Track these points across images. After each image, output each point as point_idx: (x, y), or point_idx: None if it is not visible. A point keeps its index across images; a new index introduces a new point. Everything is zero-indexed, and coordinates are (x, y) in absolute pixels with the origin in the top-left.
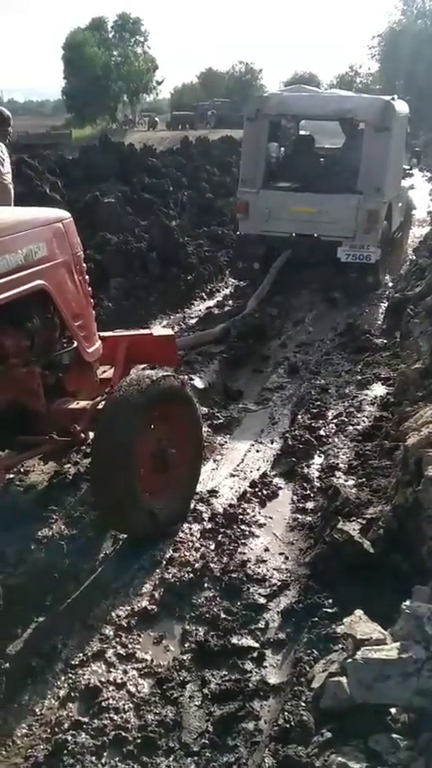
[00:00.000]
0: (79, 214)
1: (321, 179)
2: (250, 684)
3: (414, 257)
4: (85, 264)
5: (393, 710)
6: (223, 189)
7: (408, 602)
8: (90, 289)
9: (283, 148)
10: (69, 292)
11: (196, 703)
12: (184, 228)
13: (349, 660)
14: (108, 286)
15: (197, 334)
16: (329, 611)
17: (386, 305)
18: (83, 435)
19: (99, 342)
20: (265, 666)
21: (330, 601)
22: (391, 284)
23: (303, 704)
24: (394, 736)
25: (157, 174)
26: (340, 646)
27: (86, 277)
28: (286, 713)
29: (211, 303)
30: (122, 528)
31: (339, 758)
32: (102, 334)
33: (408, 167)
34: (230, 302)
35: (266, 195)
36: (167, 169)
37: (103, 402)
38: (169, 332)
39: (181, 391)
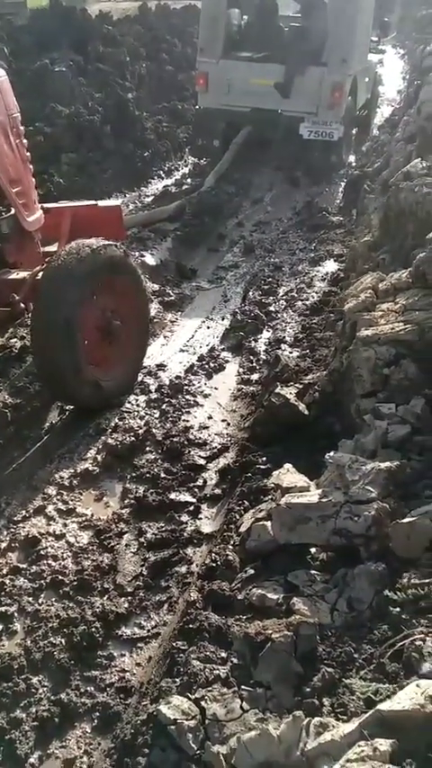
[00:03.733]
0: (28, 84)
1: (284, 49)
2: (185, 534)
3: (378, 134)
4: (23, 129)
5: (313, 550)
6: (185, 62)
7: (332, 453)
8: (28, 154)
9: (245, 16)
10: (5, 155)
11: (132, 551)
12: (142, 102)
13: (274, 506)
14: (59, 161)
15: (151, 210)
16: (263, 467)
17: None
18: (23, 306)
19: (40, 211)
20: (200, 518)
21: (265, 459)
22: (354, 164)
23: (231, 547)
24: (312, 571)
25: (113, 44)
26: (269, 497)
27: (24, 141)
28: (214, 555)
29: (168, 181)
30: (67, 399)
31: (259, 591)
32: (44, 205)
33: (375, 39)
34: (189, 180)
35: (226, 66)
36: (124, 38)
37: (42, 272)
38: (116, 203)
39: (123, 261)
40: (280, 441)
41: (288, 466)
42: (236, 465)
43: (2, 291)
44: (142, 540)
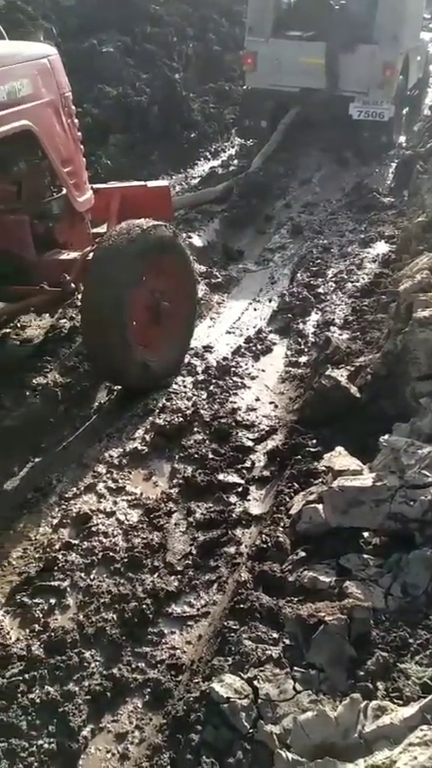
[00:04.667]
0: (76, 65)
1: (335, 27)
2: (233, 515)
3: (430, 113)
4: (75, 109)
5: (366, 534)
6: (232, 42)
7: (386, 436)
8: (80, 134)
9: None
10: (57, 135)
11: (181, 530)
12: (189, 83)
13: (326, 488)
14: (106, 142)
15: (198, 192)
16: (313, 450)
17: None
18: (73, 286)
19: (90, 192)
20: (249, 500)
21: (314, 441)
22: (404, 145)
23: (281, 529)
24: (365, 556)
25: (159, 24)
26: (320, 480)
27: (76, 121)
28: (264, 536)
29: (215, 163)
30: (115, 379)
31: (311, 573)
32: (94, 186)
33: (428, 16)
34: (235, 162)
35: (276, 45)
36: (171, 18)
37: (93, 252)
38: (164, 183)
39: (173, 242)
40: (330, 423)
41: (340, 449)
42: (285, 447)
43: (53, 272)
44: (191, 519)
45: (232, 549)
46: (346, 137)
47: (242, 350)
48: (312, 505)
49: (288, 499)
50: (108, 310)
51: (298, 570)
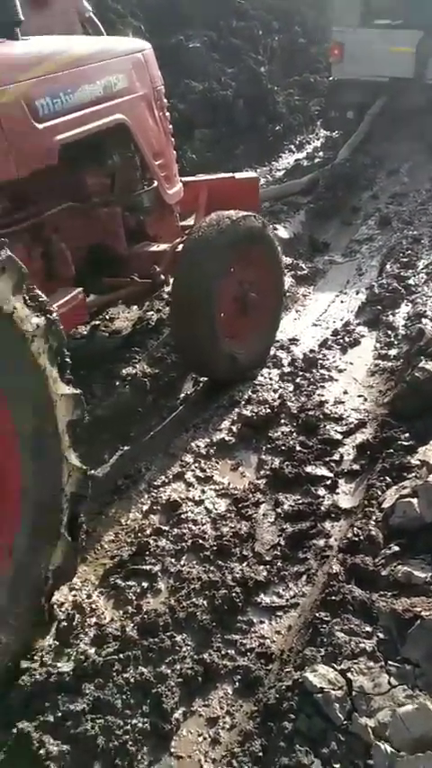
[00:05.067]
0: (163, 60)
1: (424, 12)
2: (322, 507)
3: None
4: (166, 103)
5: None
6: (318, 33)
7: None
8: (171, 127)
9: None
10: (149, 128)
11: (269, 521)
12: (274, 76)
13: (421, 482)
14: (192, 137)
15: (284, 184)
16: (405, 443)
17: None
18: (163, 277)
19: (180, 185)
20: (338, 493)
21: (407, 435)
22: None
23: (373, 523)
24: None
25: (245, 18)
26: (414, 474)
27: (167, 114)
28: (356, 529)
29: (300, 155)
30: (202, 370)
31: (406, 568)
32: (183, 179)
33: None
34: (321, 154)
35: (364, 34)
36: (256, 12)
37: (183, 243)
38: (252, 175)
39: (262, 233)
40: (424, 417)
41: None
42: (375, 440)
43: (143, 263)
44: (279, 510)
45: (321, 542)
46: None
47: (329, 342)
48: (407, 499)
49: (380, 493)
50: (197, 301)
51: (391, 564)
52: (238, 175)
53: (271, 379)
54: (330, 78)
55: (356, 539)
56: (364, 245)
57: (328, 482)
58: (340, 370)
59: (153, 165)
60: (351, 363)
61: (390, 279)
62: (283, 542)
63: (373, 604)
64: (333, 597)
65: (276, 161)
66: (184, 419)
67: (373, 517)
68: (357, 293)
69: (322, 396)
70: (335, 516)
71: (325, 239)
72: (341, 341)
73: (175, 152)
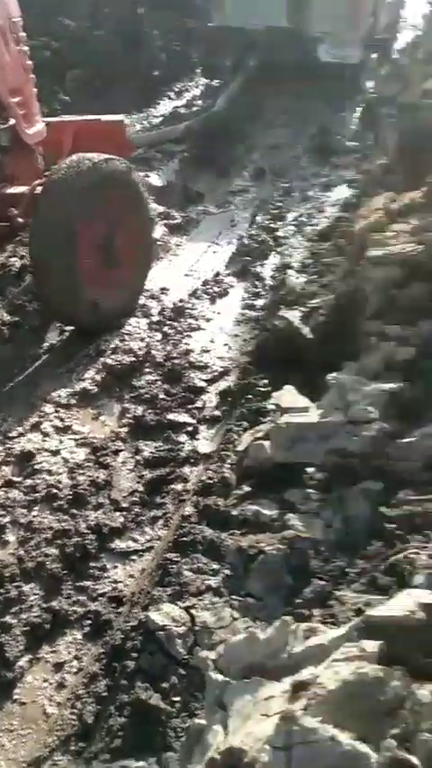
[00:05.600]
0: None
1: None
2: (182, 453)
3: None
4: (25, 37)
5: (310, 470)
6: None
7: (334, 374)
8: (30, 63)
9: None
10: (4, 63)
11: (129, 468)
12: (153, 19)
13: (272, 424)
14: (64, 77)
15: (159, 131)
16: (263, 389)
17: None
18: (21, 221)
19: (42, 124)
20: (198, 439)
21: (266, 381)
22: (373, 89)
23: (228, 466)
24: (309, 490)
25: None
26: (269, 418)
27: (26, 49)
28: (211, 472)
29: (178, 103)
30: (65, 318)
31: (254, 507)
32: (46, 119)
33: None
34: (200, 102)
35: None
36: None
37: (41, 186)
38: (119, 117)
39: (127, 177)
40: (283, 364)
41: (289, 387)
42: (236, 387)
43: (0, 206)
44: (139, 458)
45: (179, 486)
46: (312, 79)
47: (198, 292)
48: (259, 442)
49: (237, 437)
50: (56, 247)
51: (242, 504)
52: (104, 118)
53: (139, 327)
54: (209, 24)
55: (210, 481)
56: (239, 196)
57: (190, 428)
58: (208, 320)
59: (9, 101)
60: (219, 313)
61: (260, 230)
62: (141, 488)
63: (222, 543)
64: (184, 538)
65: (154, 107)
66: (45, 369)
67: (228, 460)
68: (229, 244)
69: (189, 345)
70: (194, 461)
71: (199, 189)
72: (210, 291)
73: (35, 90)
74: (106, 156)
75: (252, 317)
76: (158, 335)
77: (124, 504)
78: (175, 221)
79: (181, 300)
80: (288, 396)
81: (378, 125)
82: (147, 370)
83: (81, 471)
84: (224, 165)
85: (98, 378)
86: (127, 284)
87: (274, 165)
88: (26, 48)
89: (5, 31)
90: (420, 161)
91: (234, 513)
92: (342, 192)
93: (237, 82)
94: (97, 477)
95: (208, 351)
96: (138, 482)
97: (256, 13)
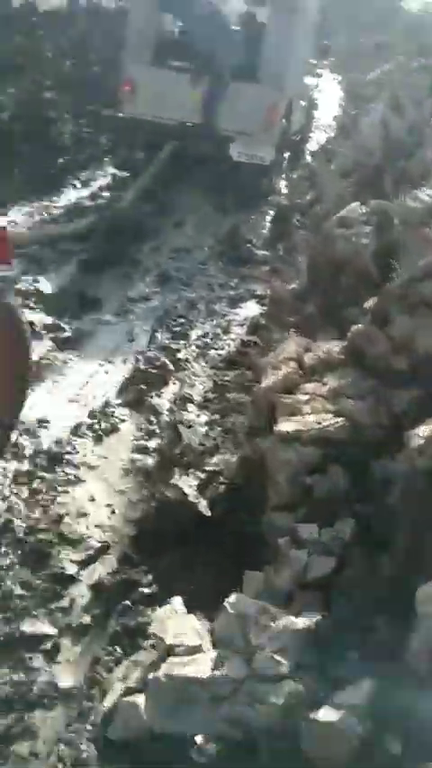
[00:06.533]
0: None
1: (217, 62)
2: (34, 689)
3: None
4: None
5: (199, 739)
6: (116, 65)
7: (232, 598)
8: None
9: (180, 23)
10: None
11: None
12: (63, 104)
13: (151, 675)
14: None
15: (56, 225)
16: (147, 591)
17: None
18: None
19: None
20: (58, 662)
21: (151, 577)
22: (285, 191)
23: (88, 730)
24: None
25: (34, 38)
26: (149, 642)
27: None
28: (63, 745)
29: (84, 192)
30: None
31: None
32: None
33: (314, 62)
34: (106, 194)
35: (155, 74)
36: (51, 31)
37: None
38: (2, 222)
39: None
40: (174, 546)
41: (177, 603)
42: (114, 580)
43: None
44: None
45: (24, 749)
46: (224, 178)
47: (83, 428)
48: (132, 698)
49: (105, 673)
50: None
51: None
52: None
53: (5, 477)
54: (120, 114)
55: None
56: (140, 303)
57: (49, 644)
58: (90, 467)
59: None
60: (105, 458)
61: (159, 351)
62: None
63: None
64: None
65: (57, 196)
66: None
67: (90, 718)
68: (125, 362)
69: (64, 505)
70: (47, 704)
71: (97, 295)
72: (97, 426)
73: None
74: None
75: (143, 467)
76: (25, 493)
77: None
78: (64, 334)
79: (58, 442)
80: (175, 620)
81: (289, 236)
82: (2, 549)
83: None
84: (126, 269)
85: None
86: None
87: (180, 270)
88: None
89: None
90: (333, 297)
91: None
92: (251, 310)
93: (146, 175)
94: None
95: (85, 514)
96: None
97: (167, 107)
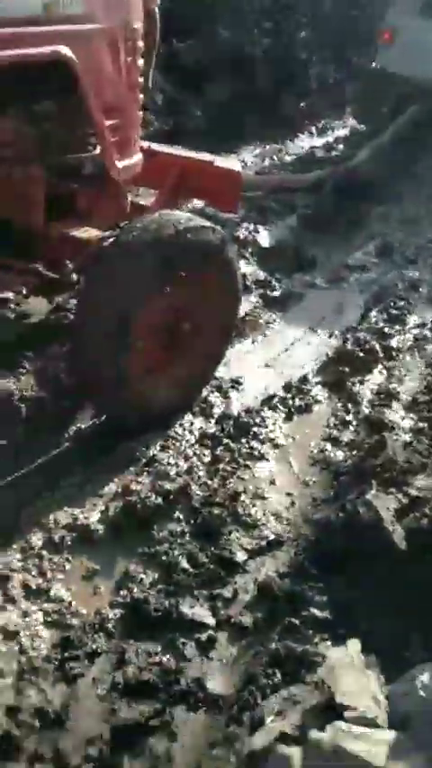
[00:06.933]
0: None
1: None
2: (181, 681)
3: None
4: (141, 47)
5: None
6: (380, 10)
7: (425, 676)
8: (142, 80)
9: None
10: (106, 75)
11: (97, 693)
12: (312, 44)
13: (314, 735)
14: (201, 92)
15: (285, 175)
16: (319, 614)
17: None
18: (75, 277)
19: (138, 156)
20: (211, 658)
21: (326, 599)
22: None
23: (231, 762)
24: None
25: None
26: (313, 678)
27: (140, 62)
28: None
29: (318, 142)
30: (105, 411)
31: None
32: (154, 146)
33: None
34: (341, 147)
35: (423, 26)
36: None
37: (103, 246)
38: (236, 166)
39: (218, 252)
40: (357, 572)
41: (354, 648)
42: (282, 589)
43: (60, 249)
44: (118, 675)
45: (161, 747)
46: None
47: (275, 400)
48: (287, 750)
49: (258, 698)
50: (103, 333)
51: None
52: (219, 161)
53: (188, 436)
54: (373, 65)
55: None
56: (355, 273)
57: (204, 635)
58: (276, 446)
59: (102, 123)
60: (293, 438)
61: (370, 333)
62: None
63: None
64: None
65: (292, 141)
66: (52, 470)
67: (234, 748)
68: (330, 336)
69: (243, 481)
70: (193, 703)
71: (313, 253)
72: (290, 402)
73: (141, 113)
74: (197, 221)
75: (333, 460)
76: (207, 457)
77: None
78: (274, 293)
79: (248, 411)
80: (348, 673)
81: None
82: (176, 515)
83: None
84: (349, 232)
85: (110, 511)
86: (189, 377)
87: (406, 244)
88: (141, 61)
89: (117, 36)
90: None
91: None
92: None
93: (386, 133)
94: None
95: (263, 498)
96: (104, 722)
97: (427, 64)
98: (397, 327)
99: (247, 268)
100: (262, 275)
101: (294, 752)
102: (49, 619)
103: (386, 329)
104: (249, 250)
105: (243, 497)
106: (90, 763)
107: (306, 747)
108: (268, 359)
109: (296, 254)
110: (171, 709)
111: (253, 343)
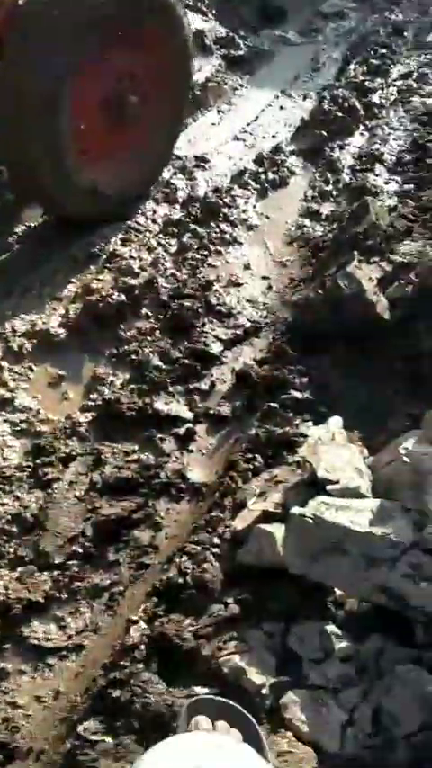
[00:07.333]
0: None
1: None
2: (161, 474)
3: None
4: None
5: (339, 593)
6: None
7: (409, 442)
8: None
9: None
10: None
11: (76, 494)
12: None
13: (296, 510)
14: None
15: None
16: (299, 395)
17: None
18: None
19: None
20: (191, 450)
21: (306, 380)
22: None
23: (215, 543)
24: (329, 628)
25: None
26: (294, 459)
27: None
28: (184, 564)
29: None
30: (46, 205)
31: (237, 658)
32: None
33: None
34: None
35: None
36: None
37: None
38: None
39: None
40: (339, 349)
41: (335, 425)
42: (260, 375)
43: None
44: (96, 474)
45: (145, 537)
46: None
47: (247, 176)
48: (269, 527)
49: (238, 483)
50: (36, 104)
51: (220, 637)
52: None
53: (152, 224)
54: None
55: (182, 581)
56: (331, 22)
57: (182, 429)
58: (250, 227)
59: None
60: (267, 217)
61: (349, 89)
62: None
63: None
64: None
65: None
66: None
67: (218, 530)
68: (305, 98)
69: (214, 269)
70: (176, 494)
71: (282, 4)
72: (263, 176)
73: None
74: None
75: (311, 237)
76: (174, 246)
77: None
78: (239, 52)
79: (217, 191)
80: (330, 447)
81: None
82: (143, 311)
83: (8, 489)
84: None
85: (71, 314)
86: (143, 156)
87: None
88: None
89: None
90: None
91: (205, 651)
92: None
93: None
94: (25, 509)
95: (237, 284)
96: (84, 521)
97: None
98: (379, 80)
99: (204, 24)
100: (223, 32)
101: (276, 528)
102: (18, 428)
103: (367, 83)
104: (206, 2)
105: (215, 286)
106: (74, 560)
107: (288, 523)
108: (236, 130)
109: (262, 3)
110: (154, 502)
111: (218, 113)
